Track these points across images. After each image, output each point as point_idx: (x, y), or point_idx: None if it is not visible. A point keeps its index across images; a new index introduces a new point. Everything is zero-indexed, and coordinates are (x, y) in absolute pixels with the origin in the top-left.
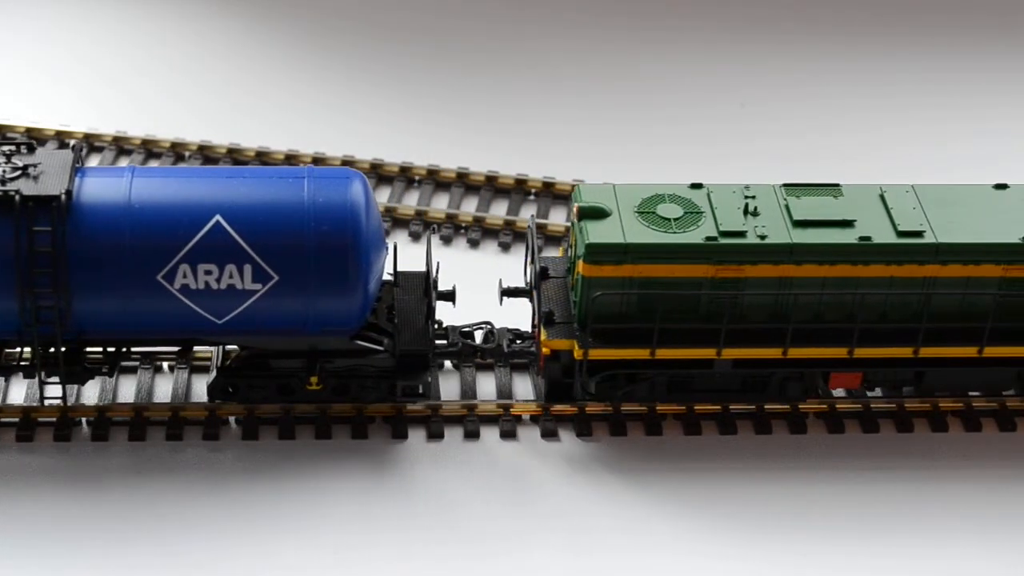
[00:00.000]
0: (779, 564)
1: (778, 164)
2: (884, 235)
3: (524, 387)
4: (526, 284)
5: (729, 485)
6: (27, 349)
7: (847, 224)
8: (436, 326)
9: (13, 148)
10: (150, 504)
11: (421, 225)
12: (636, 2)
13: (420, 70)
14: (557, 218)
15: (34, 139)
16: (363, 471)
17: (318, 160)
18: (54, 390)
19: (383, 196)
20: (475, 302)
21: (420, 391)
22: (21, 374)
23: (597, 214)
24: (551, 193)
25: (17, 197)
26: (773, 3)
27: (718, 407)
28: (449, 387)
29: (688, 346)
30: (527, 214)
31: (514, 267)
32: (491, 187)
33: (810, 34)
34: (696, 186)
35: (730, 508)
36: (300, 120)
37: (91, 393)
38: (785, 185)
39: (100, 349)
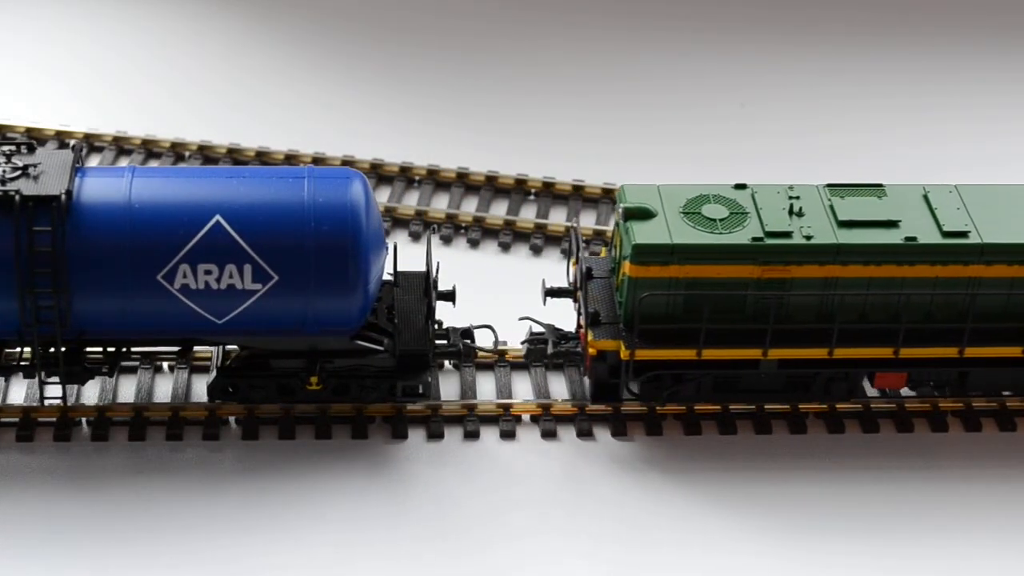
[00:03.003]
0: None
1: (779, 164)
2: (929, 235)
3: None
4: (569, 285)
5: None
6: (27, 349)
7: (892, 224)
8: (436, 326)
9: (13, 148)
10: (150, 504)
11: (421, 225)
12: (636, 2)
13: (420, 70)
14: (557, 218)
15: (34, 139)
16: (363, 471)
17: (318, 160)
18: (54, 390)
19: (383, 196)
20: (475, 302)
21: (420, 391)
22: (21, 374)
23: (643, 215)
24: (551, 193)
25: (17, 197)
26: (773, 3)
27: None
28: (449, 387)
29: (734, 346)
30: (527, 214)
31: (515, 267)
32: (491, 187)
33: (810, 34)
34: (740, 186)
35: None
36: (300, 120)
37: (91, 393)
38: (828, 185)
39: (100, 349)
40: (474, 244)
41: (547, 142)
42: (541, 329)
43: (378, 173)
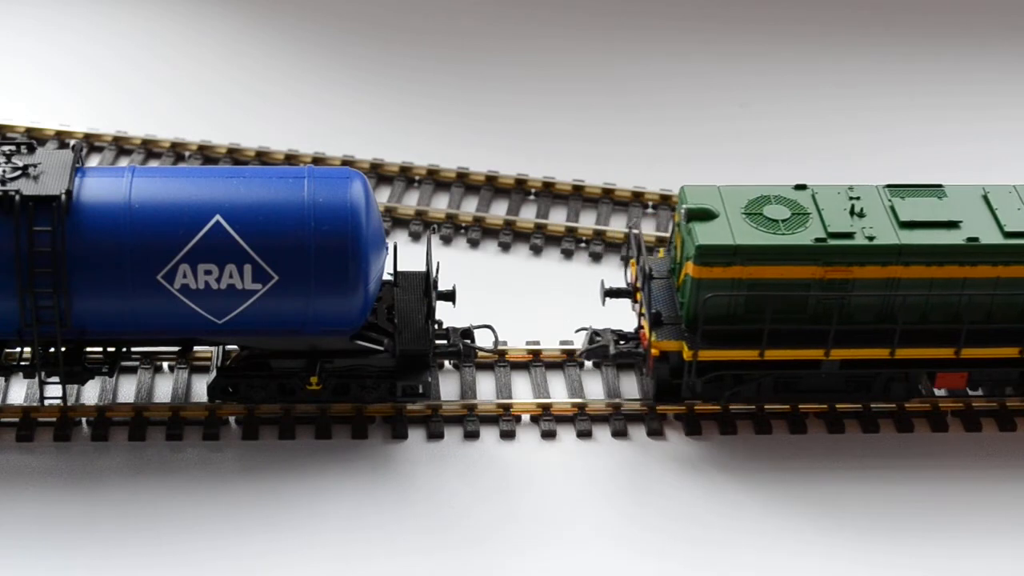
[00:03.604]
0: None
1: (780, 164)
2: (991, 236)
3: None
4: (627, 285)
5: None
6: (27, 349)
7: (953, 225)
8: (436, 326)
9: (13, 148)
10: (150, 504)
11: (421, 225)
12: (637, 3)
13: (420, 70)
14: (557, 218)
15: (34, 139)
16: (363, 471)
17: (318, 160)
18: (54, 390)
19: (383, 196)
20: (475, 302)
21: (420, 391)
22: (21, 374)
23: (705, 216)
24: (551, 193)
25: (17, 197)
26: (774, 3)
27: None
28: (449, 387)
29: (796, 347)
30: (527, 214)
31: (515, 267)
32: (491, 187)
33: (811, 34)
34: (800, 187)
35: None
36: (300, 120)
37: (91, 393)
38: (888, 186)
39: (100, 349)
40: (474, 244)
41: (547, 142)
42: (589, 329)
43: (378, 173)
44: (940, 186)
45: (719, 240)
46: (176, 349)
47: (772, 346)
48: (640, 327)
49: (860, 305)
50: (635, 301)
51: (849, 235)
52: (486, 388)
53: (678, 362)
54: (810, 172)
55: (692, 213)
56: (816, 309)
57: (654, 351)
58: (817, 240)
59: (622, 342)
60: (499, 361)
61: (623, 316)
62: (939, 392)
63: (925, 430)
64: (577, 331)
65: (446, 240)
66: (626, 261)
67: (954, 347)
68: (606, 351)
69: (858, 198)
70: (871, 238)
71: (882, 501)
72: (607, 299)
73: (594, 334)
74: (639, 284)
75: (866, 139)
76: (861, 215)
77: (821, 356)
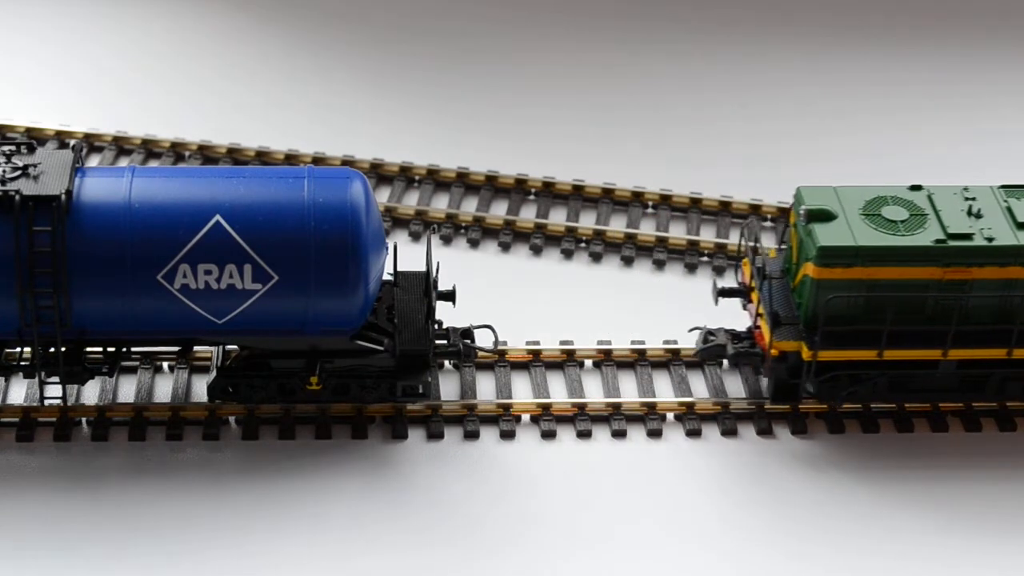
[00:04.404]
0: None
1: (780, 164)
2: None
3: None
4: (739, 285)
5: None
6: (27, 349)
7: None
8: (436, 326)
9: (13, 148)
10: (150, 504)
11: (421, 225)
12: (636, 3)
13: (420, 70)
14: (558, 218)
15: (34, 139)
16: (363, 471)
17: (318, 160)
18: (54, 390)
19: (383, 196)
20: (475, 302)
21: (420, 391)
22: (21, 374)
23: (825, 217)
24: (551, 193)
25: (17, 197)
26: (775, 4)
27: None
28: (449, 387)
29: (914, 347)
30: (527, 214)
31: (515, 267)
32: (491, 187)
33: (812, 34)
34: (915, 187)
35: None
36: (300, 120)
37: (91, 393)
38: (1004, 187)
39: (100, 349)
40: (474, 244)
41: (547, 142)
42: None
43: (378, 173)
44: None
45: (840, 241)
46: (176, 349)
47: (890, 346)
48: (756, 327)
49: (978, 305)
50: (749, 301)
51: (968, 236)
52: (486, 388)
53: (796, 362)
54: (810, 172)
55: (812, 214)
56: (934, 309)
57: (773, 351)
58: (937, 241)
59: (737, 341)
60: (499, 361)
61: (623, 317)
62: None
63: None
64: (690, 331)
65: (446, 240)
66: (738, 260)
67: None
68: (722, 351)
69: (974, 199)
70: (990, 239)
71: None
72: (720, 298)
73: (708, 334)
74: (753, 284)
75: (867, 140)
76: (979, 216)
77: (939, 356)
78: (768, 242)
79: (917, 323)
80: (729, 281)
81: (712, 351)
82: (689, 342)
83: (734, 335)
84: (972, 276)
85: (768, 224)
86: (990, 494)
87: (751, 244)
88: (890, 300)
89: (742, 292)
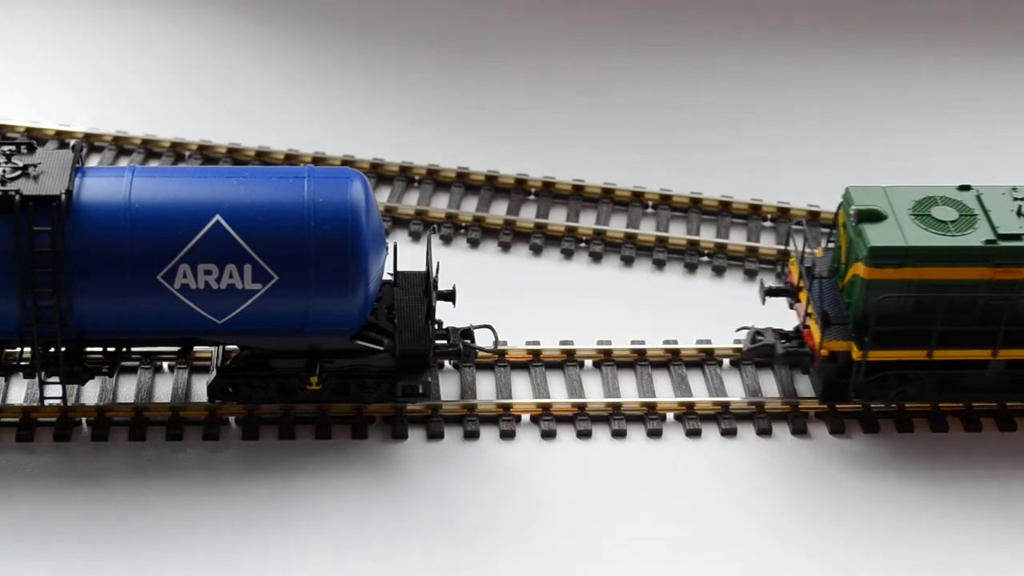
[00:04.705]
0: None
1: (780, 164)
2: None
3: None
4: (786, 284)
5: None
6: (27, 349)
7: None
8: (436, 326)
9: (13, 148)
10: (150, 504)
11: (421, 225)
12: (636, 4)
13: (420, 70)
14: (558, 218)
15: (34, 139)
16: (362, 471)
17: (318, 160)
18: (54, 390)
19: (383, 196)
20: (475, 302)
21: (420, 391)
22: (21, 374)
23: (875, 217)
24: (551, 193)
25: (17, 197)
26: (775, 5)
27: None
28: (449, 387)
29: (963, 347)
30: (527, 214)
31: (515, 267)
32: (491, 187)
33: (812, 36)
34: (964, 188)
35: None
36: (300, 120)
37: (91, 393)
38: None
39: (100, 349)
40: (474, 244)
41: (547, 142)
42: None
43: (378, 173)
44: None
45: (891, 242)
46: (176, 349)
47: (940, 346)
48: (804, 326)
49: None
50: (796, 300)
51: (1018, 237)
52: (486, 388)
53: (845, 362)
54: (811, 172)
55: (862, 214)
56: (984, 310)
57: (823, 351)
58: (987, 242)
59: (785, 341)
60: (499, 361)
61: (623, 317)
62: None
63: None
64: (737, 330)
65: (446, 240)
66: (784, 259)
67: None
68: (771, 350)
69: (1023, 199)
70: None
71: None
72: (767, 298)
73: (756, 333)
74: (801, 284)
75: (867, 140)
76: None
77: (988, 356)
78: (767, 242)
79: (967, 323)
80: (730, 282)
81: (761, 350)
82: (687, 341)
83: (782, 335)
84: (1022, 277)
85: (768, 224)
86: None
87: (802, 243)
88: (940, 300)
89: (789, 292)
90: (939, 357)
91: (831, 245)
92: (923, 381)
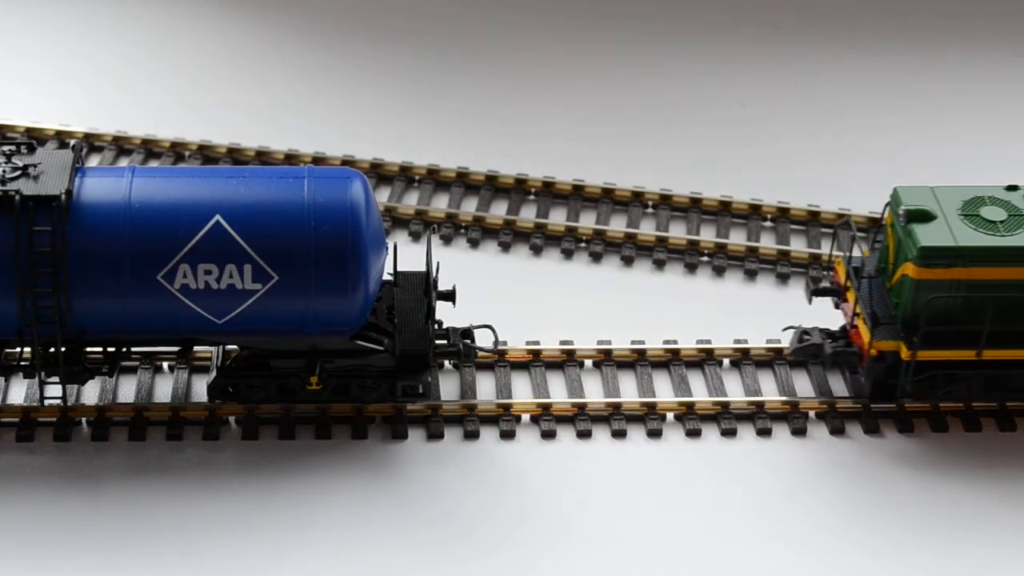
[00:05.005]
0: None
1: (780, 164)
2: None
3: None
4: (831, 284)
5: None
6: (27, 349)
7: None
8: (436, 326)
9: (13, 148)
10: (150, 504)
11: (421, 225)
12: (636, 4)
13: (420, 70)
14: (558, 218)
15: (34, 139)
16: (362, 471)
17: (318, 160)
18: (54, 390)
19: (383, 196)
20: (475, 302)
21: (420, 391)
22: (21, 374)
23: (924, 217)
24: (551, 193)
25: (17, 197)
26: (775, 4)
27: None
28: (449, 387)
29: (1013, 347)
30: (527, 214)
31: (515, 267)
32: (491, 187)
33: (812, 34)
34: (1012, 188)
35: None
36: (300, 120)
37: (91, 393)
38: None
39: (100, 349)
40: (474, 244)
41: (547, 142)
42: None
43: (378, 173)
44: None
45: (941, 242)
46: (176, 349)
47: (989, 346)
48: (852, 326)
49: None
50: (843, 300)
51: None
52: (486, 388)
53: (894, 361)
54: (811, 171)
55: (912, 214)
56: None
57: (873, 351)
58: None
59: (832, 341)
60: (499, 361)
61: (623, 317)
62: None
63: None
64: (784, 330)
65: (446, 240)
66: (829, 261)
67: None
68: (819, 350)
69: None
70: None
71: None
72: (814, 297)
73: (803, 333)
74: (848, 283)
75: (868, 141)
76: None
77: None
78: (768, 242)
79: (1016, 323)
80: (730, 282)
81: (808, 350)
82: (687, 341)
83: (828, 334)
84: None
85: (768, 224)
86: None
87: (851, 243)
88: (989, 300)
89: (836, 291)
90: (988, 357)
91: (877, 245)
92: (971, 381)
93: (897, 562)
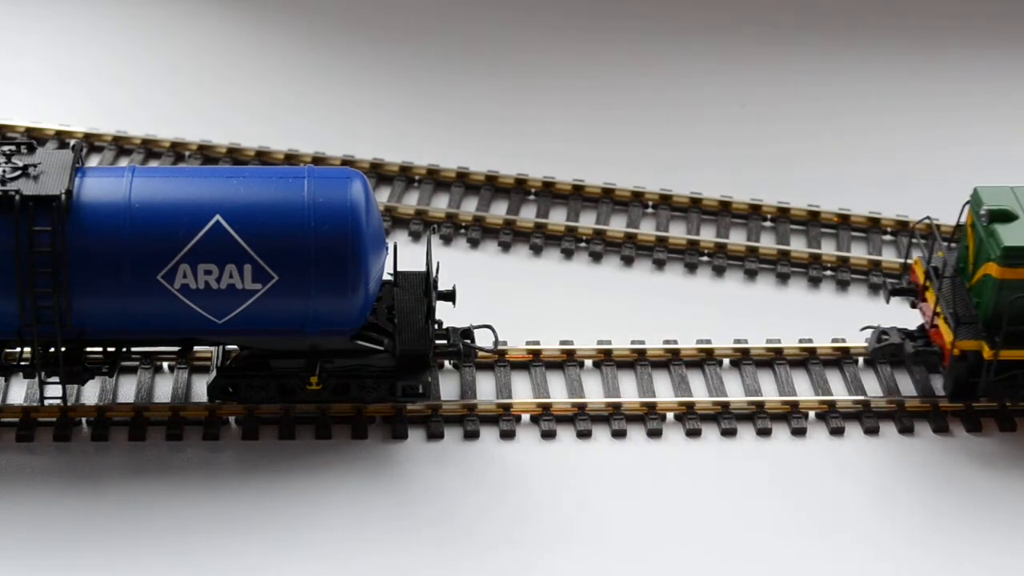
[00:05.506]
0: None
1: (780, 164)
2: None
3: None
4: (907, 284)
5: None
6: (27, 349)
7: None
8: (436, 326)
9: (13, 148)
10: (150, 504)
11: (421, 225)
12: (636, 3)
13: (420, 70)
14: (558, 218)
15: (34, 139)
16: (362, 471)
17: (318, 160)
18: (54, 390)
19: (383, 196)
20: (475, 302)
21: (420, 391)
22: (21, 374)
23: (1007, 217)
24: (551, 193)
25: (17, 197)
26: (775, 4)
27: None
28: (449, 387)
29: None
30: (527, 214)
31: (515, 267)
32: (491, 187)
33: (811, 34)
34: None
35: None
36: (300, 120)
37: (91, 393)
38: None
39: (100, 349)
40: (474, 244)
41: (547, 142)
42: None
43: (378, 173)
44: None
45: None
46: (176, 349)
47: None
48: (932, 326)
49: None
50: (921, 300)
51: None
52: (486, 388)
53: (976, 361)
54: (811, 171)
55: (995, 214)
56: None
57: (955, 350)
58: None
59: (910, 340)
60: (499, 361)
61: (623, 317)
62: None
63: None
64: (862, 329)
65: (446, 240)
66: (905, 263)
67: None
68: (899, 349)
69: None
70: None
71: None
72: (892, 297)
73: (881, 333)
74: (927, 283)
75: (868, 141)
76: None
77: None
78: (767, 241)
79: None
80: (730, 282)
81: (887, 350)
82: (687, 341)
83: (908, 334)
84: None
85: (768, 224)
86: None
87: (931, 243)
88: None
89: (914, 291)
90: None
91: (955, 245)
92: None
93: (899, 563)
